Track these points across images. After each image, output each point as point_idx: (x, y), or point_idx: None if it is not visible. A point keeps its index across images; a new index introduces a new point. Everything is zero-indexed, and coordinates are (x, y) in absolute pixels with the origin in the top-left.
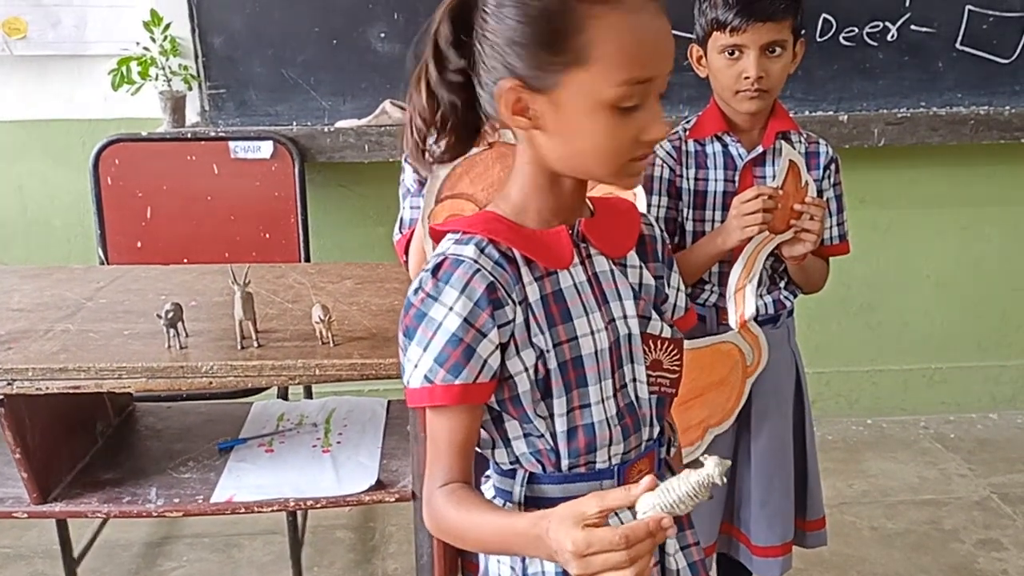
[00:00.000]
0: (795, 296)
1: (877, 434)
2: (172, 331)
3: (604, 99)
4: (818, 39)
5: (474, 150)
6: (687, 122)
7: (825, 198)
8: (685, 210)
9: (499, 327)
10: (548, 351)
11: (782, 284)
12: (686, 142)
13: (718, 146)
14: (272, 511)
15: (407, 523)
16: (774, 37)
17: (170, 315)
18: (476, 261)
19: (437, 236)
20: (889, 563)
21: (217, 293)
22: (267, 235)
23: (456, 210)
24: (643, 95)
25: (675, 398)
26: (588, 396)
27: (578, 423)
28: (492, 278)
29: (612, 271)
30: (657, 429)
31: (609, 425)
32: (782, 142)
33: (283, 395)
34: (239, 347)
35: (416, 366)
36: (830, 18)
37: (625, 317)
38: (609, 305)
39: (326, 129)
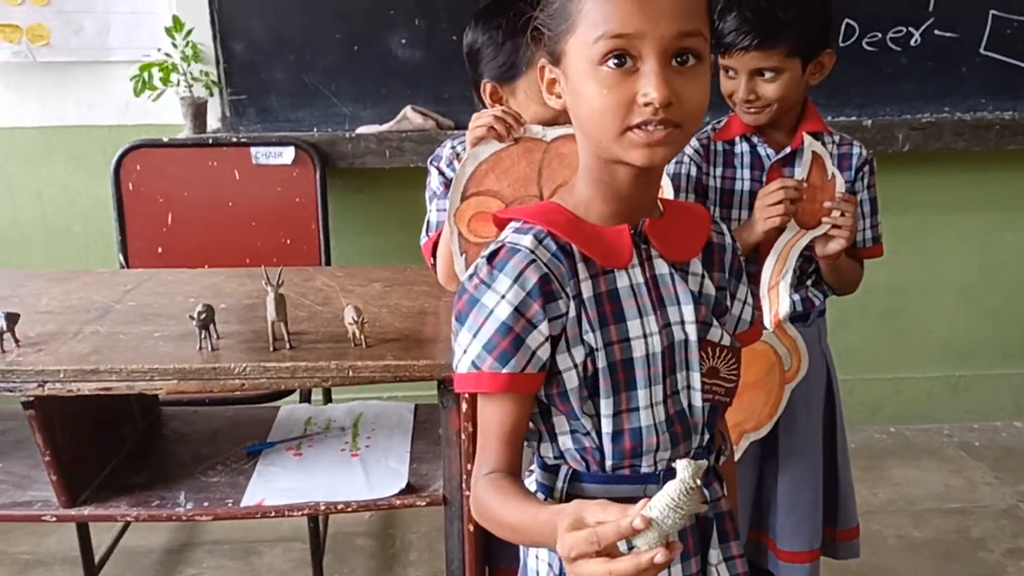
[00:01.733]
0: (825, 296)
1: (901, 442)
2: (204, 332)
3: (591, 58)
4: (841, 44)
5: (500, 145)
6: (718, 122)
7: (859, 200)
8: (712, 208)
9: (550, 320)
10: (598, 349)
11: (809, 283)
12: (714, 142)
13: (746, 146)
14: (303, 515)
15: (428, 530)
16: (760, 64)
17: (202, 316)
18: (532, 251)
19: (501, 224)
20: (917, 572)
21: (245, 296)
22: (288, 241)
23: (482, 207)
24: (633, 54)
25: (728, 407)
26: (637, 400)
27: (625, 426)
28: (547, 270)
29: (672, 275)
30: (708, 437)
31: (657, 431)
32: (808, 138)
33: (305, 400)
34: (271, 348)
35: (465, 352)
36: (853, 23)
37: (682, 323)
38: (666, 309)
39: (347, 135)
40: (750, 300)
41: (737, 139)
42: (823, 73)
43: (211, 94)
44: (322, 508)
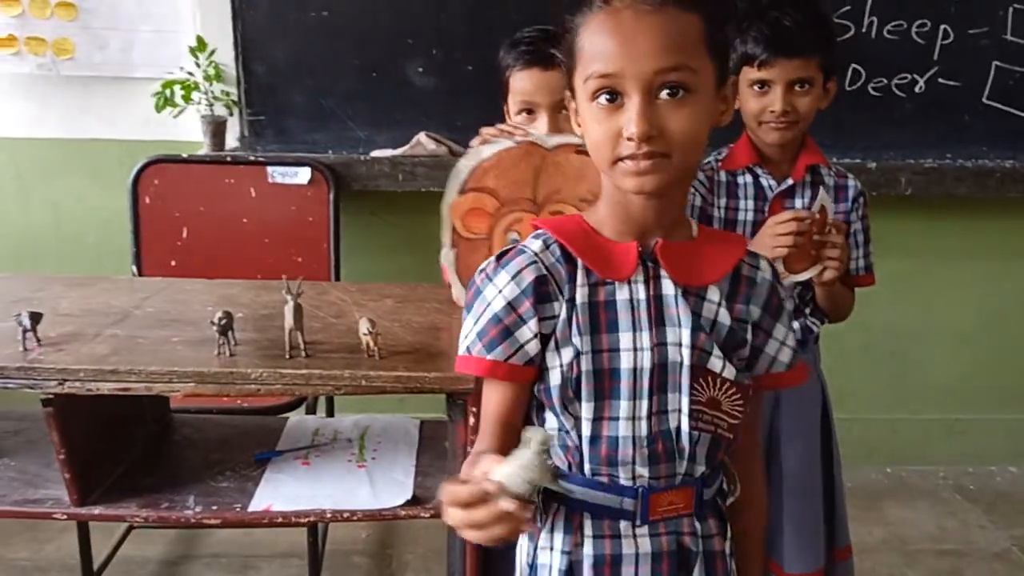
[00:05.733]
0: (821, 323)
1: (896, 483)
2: (223, 338)
3: (586, 94)
4: (847, 88)
5: (504, 144)
6: (719, 153)
7: (852, 230)
8: None
9: (541, 319)
10: (584, 353)
11: (807, 311)
12: (718, 172)
13: (749, 177)
14: (309, 522)
15: (424, 551)
16: (801, 74)
17: (223, 322)
18: (537, 254)
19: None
20: None
21: (261, 306)
22: (299, 259)
23: (477, 204)
24: (620, 91)
25: (731, 443)
26: (618, 410)
27: (603, 433)
28: (546, 272)
29: (677, 297)
30: (701, 468)
31: (635, 444)
32: (816, 183)
33: (310, 414)
34: (287, 356)
35: (466, 336)
36: (859, 68)
37: (680, 345)
38: (664, 329)
39: (361, 158)
40: (790, 342)
41: (741, 170)
42: (829, 99)
43: (231, 114)
44: (328, 516)
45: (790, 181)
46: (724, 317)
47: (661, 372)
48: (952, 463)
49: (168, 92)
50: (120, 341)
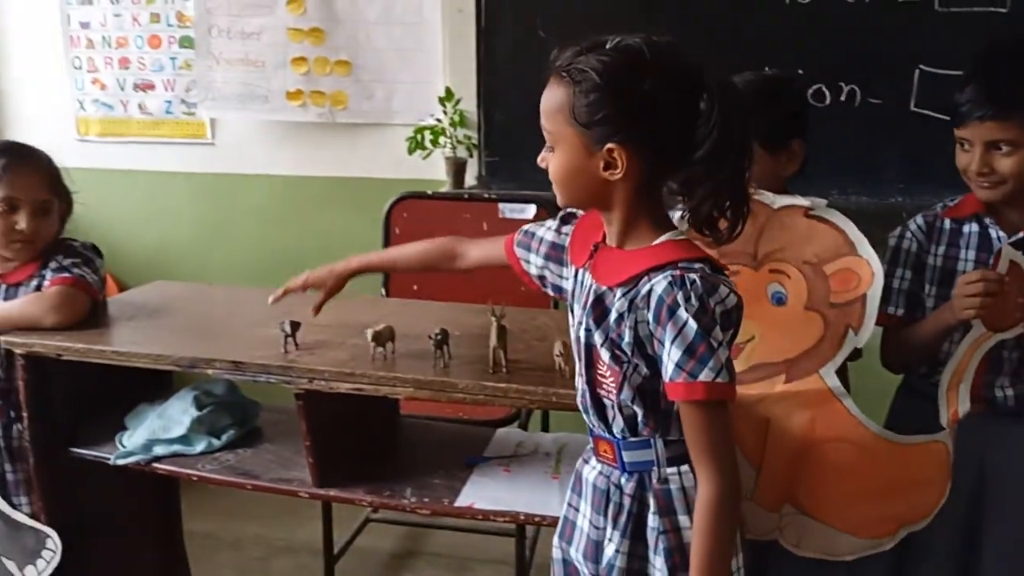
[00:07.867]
0: None
1: None
2: (439, 352)
3: None
4: None
5: None
6: (951, 199)
7: None
8: (928, 286)
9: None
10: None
11: None
12: (941, 219)
13: (975, 227)
14: (505, 521)
15: None
16: (996, 136)
17: (439, 338)
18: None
19: None
20: None
21: (478, 328)
22: (522, 287)
23: None
24: None
25: (615, 403)
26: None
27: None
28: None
29: (591, 287)
30: (598, 422)
31: (581, 395)
32: (1007, 248)
33: (522, 427)
34: (491, 371)
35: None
36: None
37: (581, 324)
38: (583, 311)
39: None
40: (675, 357)
41: (968, 218)
42: None
43: (471, 155)
44: (521, 518)
45: (1022, 234)
46: (613, 315)
47: (578, 343)
48: None
49: (419, 136)
50: (359, 350)
